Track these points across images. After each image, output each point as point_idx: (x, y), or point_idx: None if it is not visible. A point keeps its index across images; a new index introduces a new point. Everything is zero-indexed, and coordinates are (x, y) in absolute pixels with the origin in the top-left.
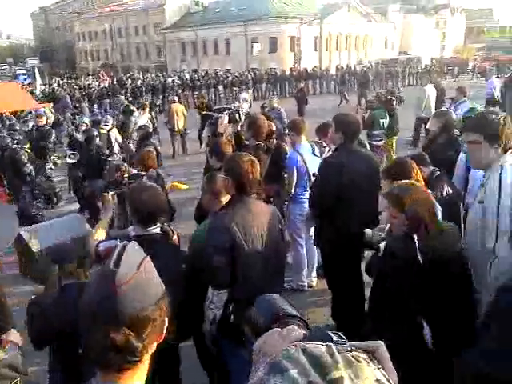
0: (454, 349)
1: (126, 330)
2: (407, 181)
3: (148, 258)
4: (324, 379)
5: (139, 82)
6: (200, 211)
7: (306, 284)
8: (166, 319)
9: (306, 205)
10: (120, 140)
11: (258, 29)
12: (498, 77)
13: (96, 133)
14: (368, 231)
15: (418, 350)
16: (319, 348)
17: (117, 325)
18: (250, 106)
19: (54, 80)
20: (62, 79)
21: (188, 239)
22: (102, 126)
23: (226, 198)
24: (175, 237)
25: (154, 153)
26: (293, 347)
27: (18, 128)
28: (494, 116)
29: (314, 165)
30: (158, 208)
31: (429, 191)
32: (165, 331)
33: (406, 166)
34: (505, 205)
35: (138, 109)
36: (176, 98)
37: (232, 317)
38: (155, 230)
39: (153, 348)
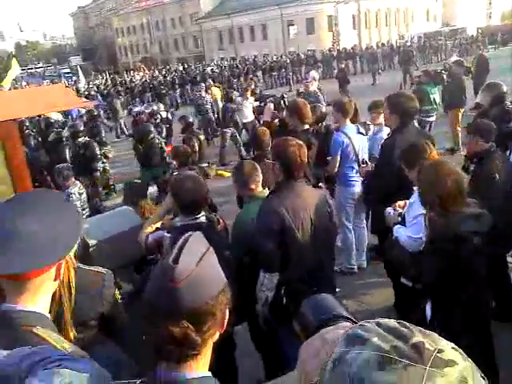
0: None
1: (185, 324)
2: (432, 161)
3: (211, 250)
4: (407, 343)
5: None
6: (240, 198)
7: (355, 267)
8: (227, 311)
9: (356, 188)
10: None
11: (294, 11)
12: None
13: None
14: (388, 210)
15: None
16: (393, 322)
17: (176, 319)
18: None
19: (96, 77)
20: (104, 76)
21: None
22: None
23: (255, 185)
24: (221, 224)
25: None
26: (366, 322)
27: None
28: None
29: (361, 143)
30: (201, 196)
31: (460, 171)
32: (226, 323)
33: (415, 150)
34: None
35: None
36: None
37: (284, 299)
38: (201, 218)
39: (214, 339)
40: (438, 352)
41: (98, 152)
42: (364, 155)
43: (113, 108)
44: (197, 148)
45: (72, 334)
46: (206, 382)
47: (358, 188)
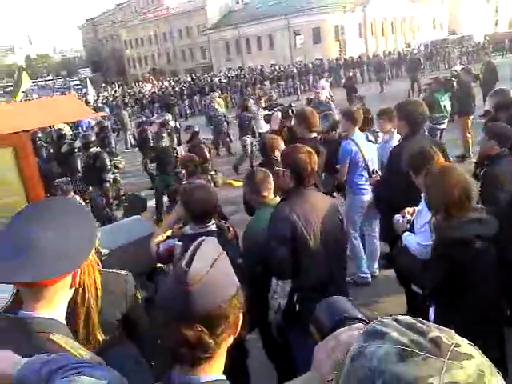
0: None
1: (199, 327)
2: (441, 167)
3: (224, 255)
4: (425, 338)
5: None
6: (248, 205)
7: (368, 275)
8: (241, 315)
9: (365, 196)
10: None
11: (300, 21)
12: None
13: (93, 139)
14: (397, 217)
15: None
16: (410, 318)
17: (189, 322)
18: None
19: (106, 88)
20: (113, 88)
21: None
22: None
23: (267, 193)
24: (232, 232)
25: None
26: (384, 318)
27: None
28: None
29: (370, 151)
30: (211, 204)
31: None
32: (239, 327)
33: (422, 156)
34: None
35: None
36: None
37: (297, 306)
38: (211, 226)
39: (228, 343)
40: (455, 346)
41: (108, 163)
42: (374, 164)
43: (120, 120)
44: (209, 156)
45: (99, 335)
46: None
47: (368, 196)
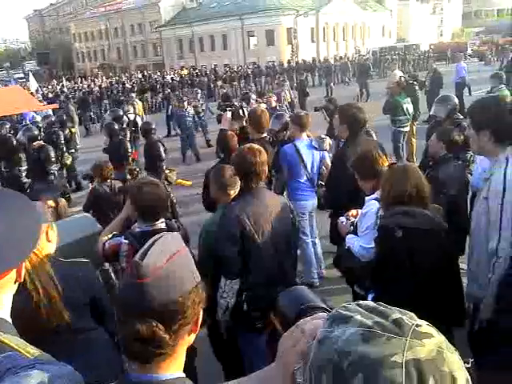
0: None
1: (153, 322)
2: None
3: (186, 250)
4: (387, 319)
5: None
6: (208, 200)
7: (316, 279)
8: (201, 311)
9: (307, 202)
10: None
11: (254, 22)
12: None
13: (37, 132)
14: (341, 219)
15: None
16: (372, 302)
17: (144, 316)
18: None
19: (51, 82)
20: (61, 81)
21: (193, 234)
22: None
23: (234, 191)
24: (181, 232)
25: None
26: (348, 304)
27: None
28: (487, 102)
29: (311, 158)
30: (159, 201)
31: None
32: (199, 324)
33: (368, 161)
34: (509, 202)
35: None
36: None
37: (245, 305)
38: (160, 224)
39: (188, 339)
40: (416, 326)
41: (53, 155)
42: (318, 169)
43: (68, 114)
44: (163, 155)
45: (66, 316)
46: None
47: (309, 202)
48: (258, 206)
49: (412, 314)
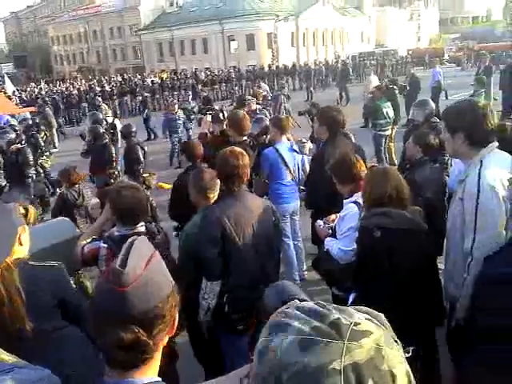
0: None
1: (136, 329)
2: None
3: (157, 253)
4: (325, 323)
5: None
6: (174, 209)
7: (298, 281)
8: (177, 314)
9: (289, 204)
10: None
11: (235, 26)
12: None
13: (14, 135)
14: (318, 222)
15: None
16: (311, 303)
17: (126, 324)
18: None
19: (29, 85)
20: (39, 84)
21: (174, 238)
22: None
23: (214, 195)
24: (161, 235)
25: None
26: (286, 308)
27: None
28: (462, 106)
29: (292, 160)
30: (138, 205)
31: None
32: (175, 325)
33: (346, 165)
34: (483, 203)
35: None
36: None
37: (226, 307)
38: (139, 228)
39: (164, 342)
40: (354, 325)
41: (31, 158)
42: (300, 171)
43: (45, 118)
44: (142, 158)
45: (28, 326)
46: None
47: (291, 205)
48: (239, 208)
49: (351, 311)
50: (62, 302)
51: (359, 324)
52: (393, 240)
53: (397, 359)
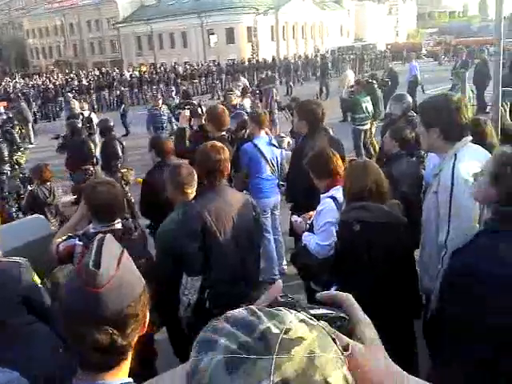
0: None
1: (110, 329)
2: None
3: (126, 252)
4: (251, 336)
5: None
6: (144, 205)
7: (278, 276)
8: (148, 312)
9: (269, 199)
10: None
11: (214, 20)
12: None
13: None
14: (294, 217)
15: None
16: (241, 312)
17: (100, 325)
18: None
19: (6, 80)
20: (14, 78)
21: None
22: None
23: (191, 190)
24: (138, 232)
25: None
26: (216, 321)
27: None
28: (437, 101)
29: (271, 154)
30: (114, 201)
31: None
32: (146, 324)
33: (322, 160)
34: (457, 196)
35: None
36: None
37: (207, 302)
38: (116, 225)
39: (135, 341)
40: (284, 333)
41: (6, 153)
42: (279, 165)
43: (20, 112)
44: (120, 153)
45: None
46: None
47: (271, 199)
48: (220, 202)
49: (284, 315)
50: (26, 299)
51: (291, 330)
52: (372, 234)
53: (331, 365)
